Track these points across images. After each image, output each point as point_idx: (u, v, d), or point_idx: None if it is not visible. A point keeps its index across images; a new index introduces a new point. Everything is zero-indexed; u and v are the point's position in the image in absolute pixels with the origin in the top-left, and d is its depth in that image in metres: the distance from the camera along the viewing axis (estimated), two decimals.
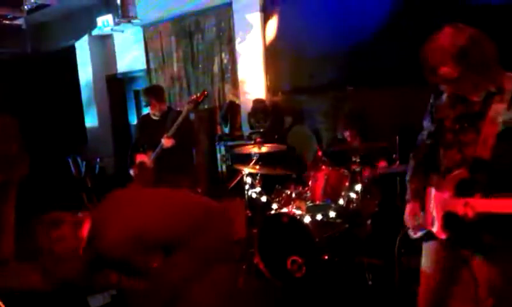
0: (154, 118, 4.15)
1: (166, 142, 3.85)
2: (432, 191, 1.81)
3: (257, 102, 5.11)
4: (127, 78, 7.21)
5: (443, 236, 1.75)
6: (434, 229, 1.79)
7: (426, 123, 1.94)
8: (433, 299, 1.91)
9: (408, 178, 1.98)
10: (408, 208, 1.92)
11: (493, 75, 1.65)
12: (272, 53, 5.13)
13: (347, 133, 3.88)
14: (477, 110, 1.67)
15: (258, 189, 3.84)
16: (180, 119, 3.85)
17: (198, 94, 4.00)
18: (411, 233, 1.95)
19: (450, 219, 1.70)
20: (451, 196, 1.69)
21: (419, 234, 1.90)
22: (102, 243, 1.87)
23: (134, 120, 7.27)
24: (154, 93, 4.21)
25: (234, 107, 5.40)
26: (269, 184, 3.95)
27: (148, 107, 4.17)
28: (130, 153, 4.17)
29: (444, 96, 1.82)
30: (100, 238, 1.88)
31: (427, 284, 1.93)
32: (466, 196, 1.62)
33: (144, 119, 4.39)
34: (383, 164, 3.64)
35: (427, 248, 1.92)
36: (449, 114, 1.78)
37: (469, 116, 1.70)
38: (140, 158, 3.97)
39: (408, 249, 2.79)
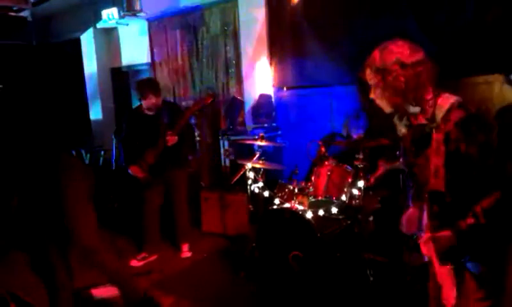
0: (148, 113, 3.88)
1: (171, 139, 3.77)
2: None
3: (262, 97, 5.11)
4: (132, 72, 7.20)
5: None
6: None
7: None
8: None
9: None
10: (407, 212, 1.89)
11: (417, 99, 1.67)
12: (277, 48, 5.11)
13: (356, 132, 3.87)
14: (421, 136, 1.71)
15: (260, 184, 3.85)
16: (183, 119, 3.79)
17: (205, 97, 3.95)
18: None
19: None
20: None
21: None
22: None
23: None
24: (152, 87, 3.84)
25: (237, 103, 5.40)
26: (271, 179, 3.96)
27: (143, 101, 3.85)
28: (123, 150, 4.06)
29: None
30: None
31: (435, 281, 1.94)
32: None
33: (134, 114, 4.06)
34: (381, 162, 3.63)
35: None
36: (407, 135, 1.82)
37: (418, 141, 1.75)
38: (134, 172, 3.82)
39: (408, 246, 2.79)
